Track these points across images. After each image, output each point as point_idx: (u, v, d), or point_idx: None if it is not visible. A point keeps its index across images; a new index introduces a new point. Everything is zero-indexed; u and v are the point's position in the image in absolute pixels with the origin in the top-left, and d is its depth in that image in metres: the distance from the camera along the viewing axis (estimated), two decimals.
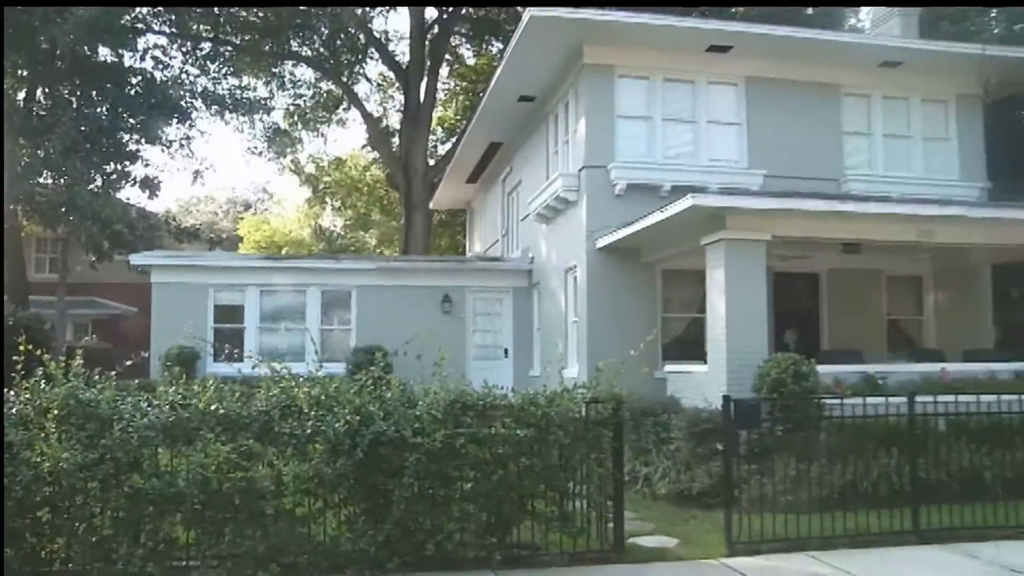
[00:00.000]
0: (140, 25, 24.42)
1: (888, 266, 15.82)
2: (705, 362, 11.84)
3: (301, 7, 25.80)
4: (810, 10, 26.91)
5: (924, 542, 8.15)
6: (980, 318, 15.88)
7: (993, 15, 19.39)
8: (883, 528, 8.23)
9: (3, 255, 21.26)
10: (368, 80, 34.26)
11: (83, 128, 20.52)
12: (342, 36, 29.19)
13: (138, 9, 23.70)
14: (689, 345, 13.84)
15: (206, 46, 26.99)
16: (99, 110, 21.70)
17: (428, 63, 29.41)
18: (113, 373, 7.22)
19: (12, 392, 6.83)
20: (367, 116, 31.67)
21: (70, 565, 6.70)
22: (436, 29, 29.79)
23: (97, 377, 7.02)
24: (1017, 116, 20.36)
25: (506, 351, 18.36)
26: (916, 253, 14.82)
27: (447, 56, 32.02)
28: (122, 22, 20.62)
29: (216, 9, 25.93)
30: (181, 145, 24.29)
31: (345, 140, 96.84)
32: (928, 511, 8.34)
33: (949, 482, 9.04)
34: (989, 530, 8.37)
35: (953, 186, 15.48)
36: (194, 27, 26.48)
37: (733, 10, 27.27)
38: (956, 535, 8.26)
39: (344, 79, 30.79)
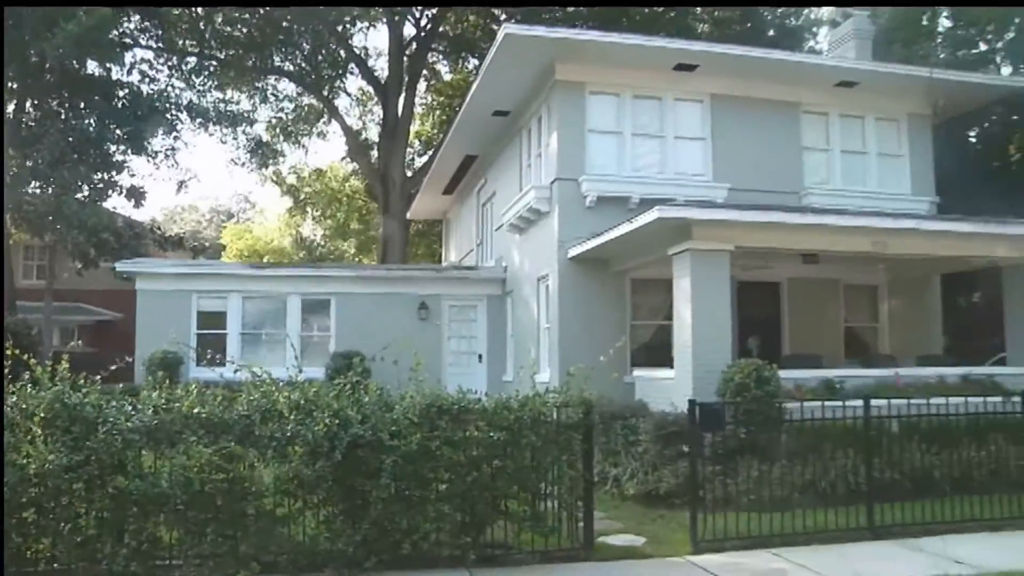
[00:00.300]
0: (128, 40, 24.35)
1: (845, 275, 16.04)
2: (672, 367, 11.90)
3: (283, 24, 25.74)
4: (771, 32, 27.36)
5: (878, 538, 8.29)
6: (931, 325, 16.19)
7: (939, 41, 19.83)
8: (840, 525, 8.34)
9: (3, 258, 21.08)
10: (348, 94, 34.27)
11: (71, 139, 20.46)
12: (323, 52, 29.20)
13: (126, 24, 23.61)
14: (656, 351, 13.92)
15: (191, 60, 26.92)
16: (87, 122, 21.63)
17: (406, 78, 29.47)
18: (98, 377, 7.15)
19: None
20: (347, 129, 31.65)
21: (55, 564, 6.63)
22: (414, 46, 29.88)
23: (82, 381, 6.97)
24: (963, 135, 20.86)
25: (480, 357, 18.38)
26: (871, 263, 15.07)
27: (424, 72, 32.11)
28: (110, 37, 20.53)
29: (202, 25, 25.91)
30: (166, 156, 24.21)
31: (325, 152, 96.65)
32: (882, 508, 8.49)
33: (901, 480, 9.22)
34: (937, 525, 8.53)
35: (905, 200, 15.74)
36: (180, 42, 26.45)
37: (699, 30, 27.66)
38: (907, 530, 8.41)
39: (325, 93, 30.82)
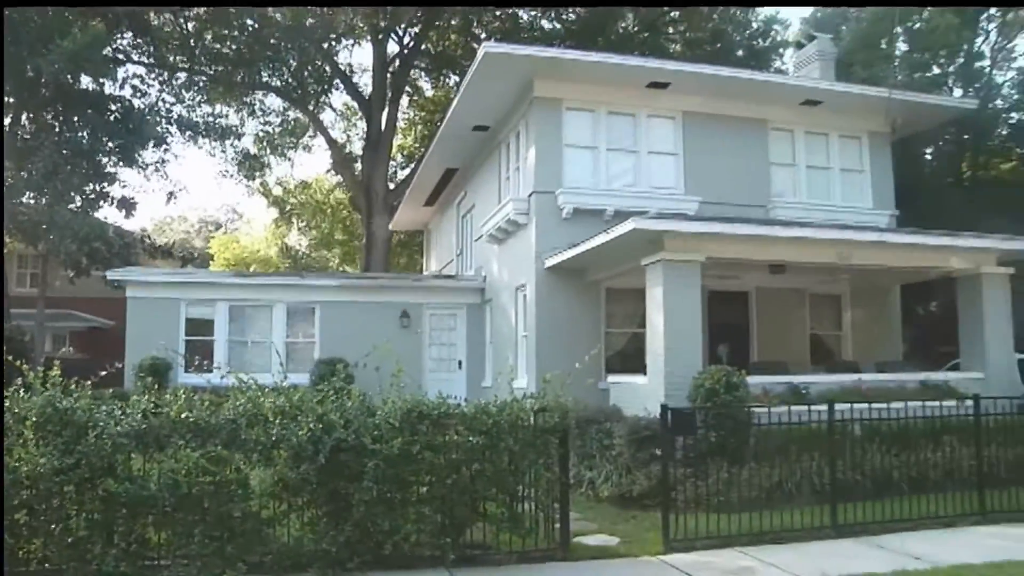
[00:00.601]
0: (120, 56, 24.37)
1: (811, 285, 16.20)
2: (645, 374, 11.94)
3: (271, 41, 25.74)
4: (740, 52, 27.71)
5: (841, 536, 8.39)
6: (891, 333, 16.42)
7: (896, 64, 20.21)
8: (805, 524, 8.44)
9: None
10: (333, 109, 34.32)
11: (64, 151, 20.39)
12: (309, 68, 29.25)
13: (119, 41, 23.65)
14: (630, 358, 14.00)
15: (182, 76, 26.92)
16: (80, 134, 21.58)
17: (389, 94, 29.58)
18: (89, 383, 7.12)
19: None
20: (331, 142, 31.67)
21: (46, 565, 6.59)
22: (397, 63, 29.97)
23: (74, 386, 6.93)
24: (919, 152, 21.27)
25: (460, 363, 18.38)
26: (835, 274, 15.24)
27: (407, 88, 32.19)
28: (104, 53, 20.56)
29: (192, 41, 25.94)
30: (156, 168, 24.22)
31: (311, 165, 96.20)
32: (845, 508, 8.60)
33: (863, 481, 9.36)
34: (896, 523, 8.66)
35: (867, 214, 15.98)
36: (171, 58, 26.47)
37: (671, 50, 27.94)
38: (869, 528, 8.53)
39: (311, 108, 30.88)
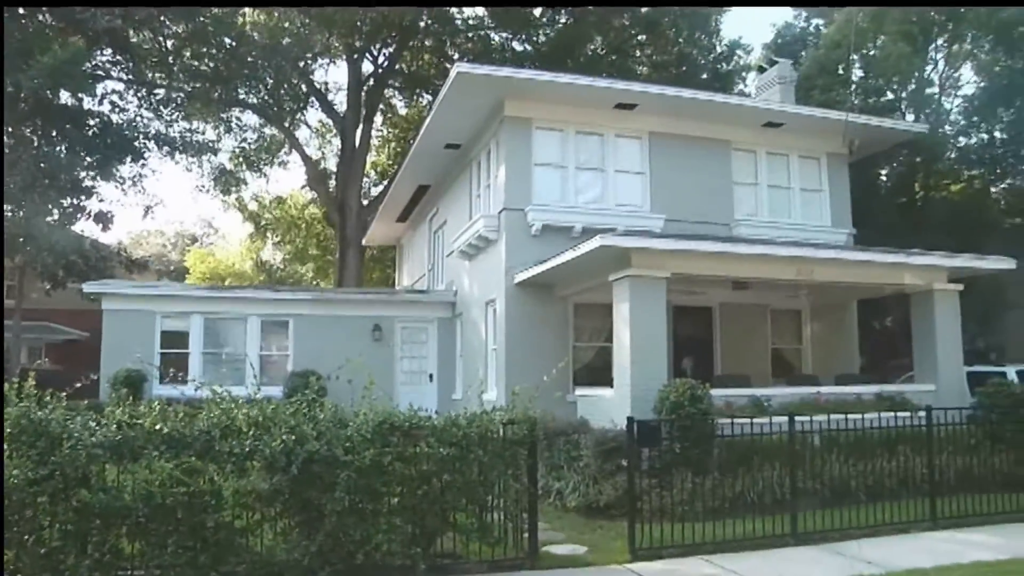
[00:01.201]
0: (100, 72, 24.19)
1: (772, 301, 16.44)
2: (612, 387, 11.99)
3: (248, 59, 25.65)
4: (705, 75, 28.13)
5: (800, 543, 8.48)
6: (849, 347, 16.66)
7: (853, 89, 20.70)
8: (767, 532, 8.55)
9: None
10: (308, 126, 34.27)
11: (43, 165, 20.18)
12: (285, 86, 29.20)
13: (98, 57, 23.48)
14: (597, 371, 14.05)
15: (160, 92, 26.74)
16: (58, 149, 21.40)
17: (364, 112, 29.63)
18: (64, 394, 7.00)
19: None
20: (306, 159, 31.60)
21: None
22: (372, 82, 30.06)
23: (48, 398, 6.82)
24: (875, 173, 21.75)
25: (431, 376, 18.32)
26: (796, 290, 15.50)
27: (381, 106, 32.29)
28: (83, 69, 20.38)
29: (171, 59, 25.83)
30: (134, 182, 24.16)
31: (286, 180, 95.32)
32: (805, 516, 8.71)
33: (822, 490, 9.48)
34: (854, 530, 8.79)
35: (826, 232, 16.26)
36: (149, 75, 26.31)
37: (638, 72, 28.29)
38: (827, 536, 8.64)
39: (286, 125, 30.85)
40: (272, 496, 6.84)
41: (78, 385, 7.58)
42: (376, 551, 6.98)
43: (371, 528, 7.03)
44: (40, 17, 20.26)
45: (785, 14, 48.42)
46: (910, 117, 21.29)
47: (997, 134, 21.01)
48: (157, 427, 6.85)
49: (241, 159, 32.62)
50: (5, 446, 6.42)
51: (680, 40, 28.99)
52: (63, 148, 21.40)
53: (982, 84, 20.89)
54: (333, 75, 72.66)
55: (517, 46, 29.39)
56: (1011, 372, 13.85)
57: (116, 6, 20.44)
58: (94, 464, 6.61)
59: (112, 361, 15.96)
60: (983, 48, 20.62)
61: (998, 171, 21.82)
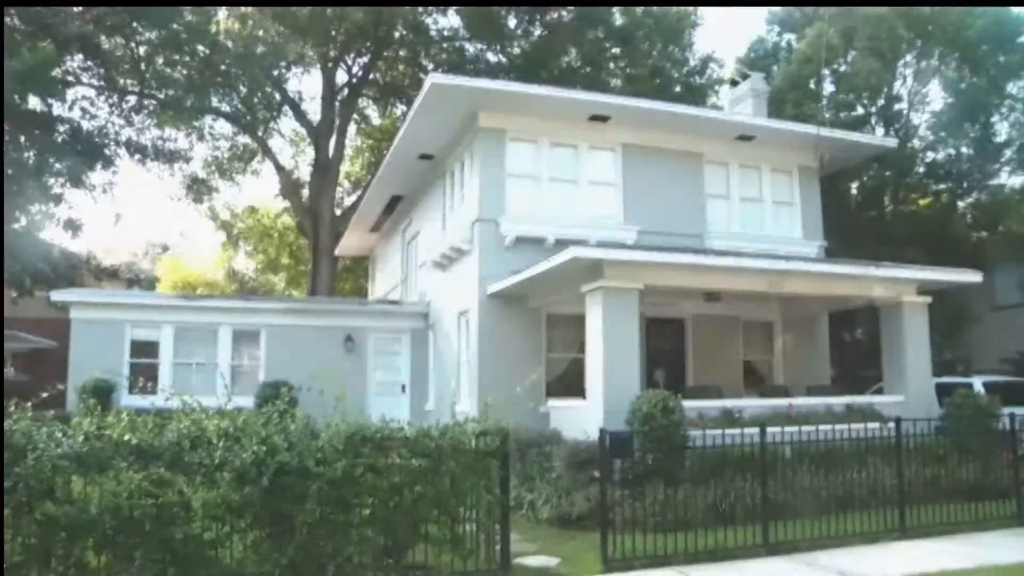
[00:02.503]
0: (70, 78, 23.87)
1: (744, 313, 16.56)
2: (584, 398, 11.99)
3: (222, 67, 25.50)
4: (678, 88, 28.45)
5: (772, 554, 8.54)
6: (820, 358, 16.85)
7: (824, 103, 21.09)
8: (739, 543, 8.59)
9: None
10: (281, 135, 34.11)
11: (10, 171, 19.80)
12: (259, 95, 29.08)
13: (69, 63, 23.18)
14: (570, 383, 14.07)
15: (132, 99, 26.44)
16: (27, 155, 21.03)
17: (337, 122, 29.55)
18: (29, 404, 6.86)
19: None
20: (279, 168, 31.44)
21: None
22: (346, 91, 30.01)
23: (13, 408, 6.67)
24: (845, 187, 22.14)
25: (404, 387, 18.24)
26: (767, 302, 15.66)
27: (355, 116, 32.24)
28: (53, 74, 20.10)
29: (143, 65, 25.56)
30: (104, 190, 23.75)
31: (258, 189, 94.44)
32: (776, 526, 8.76)
33: (793, 500, 9.53)
34: (824, 540, 8.87)
35: (797, 244, 16.45)
36: (121, 81, 26.00)
37: (612, 85, 28.54)
38: (798, 546, 8.71)
39: (259, 134, 30.70)
40: (242, 508, 6.74)
41: (45, 395, 7.42)
42: (348, 563, 6.91)
43: (342, 540, 6.97)
44: (8, 20, 19.96)
45: (758, 29, 49.13)
46: (880, 132, 21.71)
47: (964, 149, 21.54)
48: (125, 438, 6.72)
49: (213, 167, 32.40)
50: None
51: (654, 53, 29.31)
52: (32, 154, 21.10)
53: (949, 100, 21.41)
54: (307, 84, 72.35)
55: (492, 57, 29.54)
56: (977, 383, 14.13)
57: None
58: (60, 476, 6.46)
59: (80, 370, 15.78)
60: (950, 65, 21.14)
61: (964, 186, 22.36)
